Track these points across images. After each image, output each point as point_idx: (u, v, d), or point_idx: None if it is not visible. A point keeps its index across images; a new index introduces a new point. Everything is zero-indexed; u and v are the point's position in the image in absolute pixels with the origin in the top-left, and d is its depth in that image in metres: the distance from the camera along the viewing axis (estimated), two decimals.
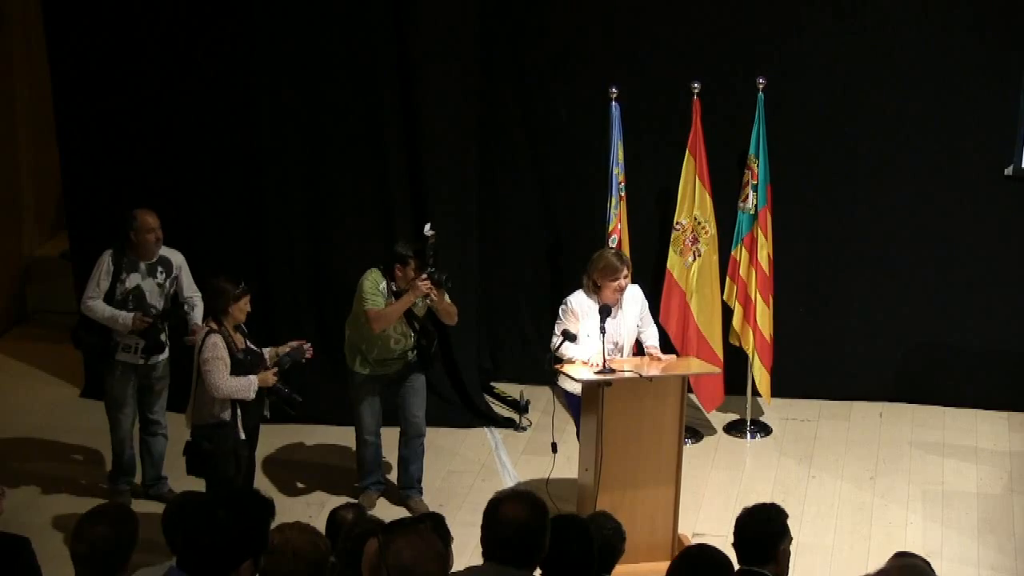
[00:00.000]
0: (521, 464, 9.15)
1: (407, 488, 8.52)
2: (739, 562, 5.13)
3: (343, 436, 9.02)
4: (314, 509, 8.40)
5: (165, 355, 8.33)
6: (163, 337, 8.23)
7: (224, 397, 7.60)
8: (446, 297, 8.18)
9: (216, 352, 7.55)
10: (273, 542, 4.44)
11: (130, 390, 8.31)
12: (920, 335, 9.82)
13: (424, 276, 7.97)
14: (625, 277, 7.97)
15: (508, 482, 8.88)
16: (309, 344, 7.95)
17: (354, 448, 8.61)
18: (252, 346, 7.80)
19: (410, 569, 4.00)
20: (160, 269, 8.22)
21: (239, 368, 7.62)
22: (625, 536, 5.63)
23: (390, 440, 8.57)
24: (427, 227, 8.15)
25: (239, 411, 7.69)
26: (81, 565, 4.59)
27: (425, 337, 8.31)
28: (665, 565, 4.85)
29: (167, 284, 8.25)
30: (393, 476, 8.69)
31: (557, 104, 9.89)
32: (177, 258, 8.32)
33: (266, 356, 7.85)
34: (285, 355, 7.83)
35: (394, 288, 8.10)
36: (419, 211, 9.61)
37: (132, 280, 8.12)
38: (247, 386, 7.63)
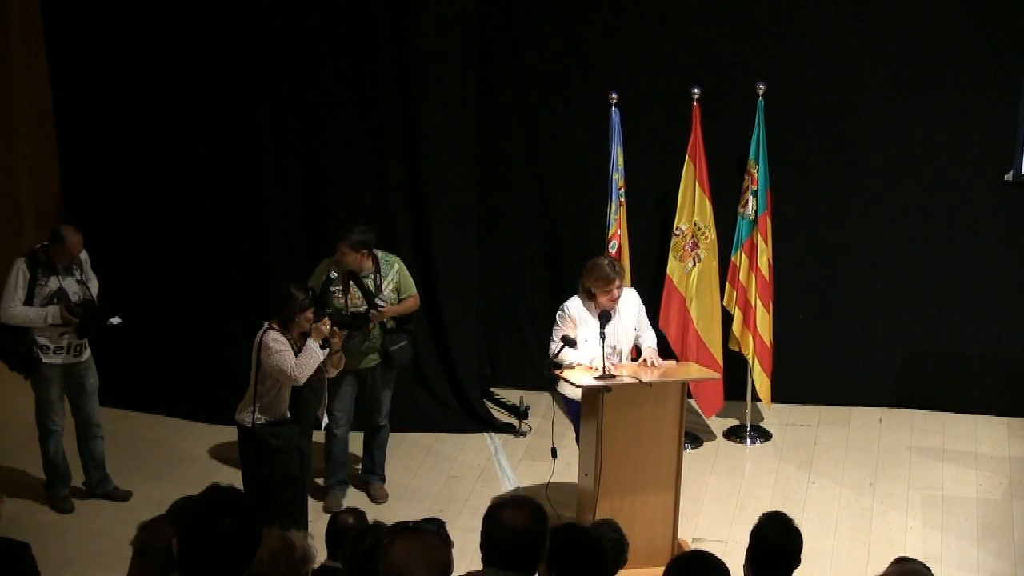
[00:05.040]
0: (521, 469, 9.15)
1: (369, 473, 8.68)
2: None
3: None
4: (313, 514, 8.39)
5: (88, 353, 8.39)
6: (101, 315, 8.23)
7: (305, 377, 7.55)
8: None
9: (279, 345, 7.50)
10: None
11: (59, 392, 8.39)
12: (920, 341, 9.82)
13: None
14: (618, 288, 7.93)
15: (508, 487, 8.88)
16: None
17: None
18: None
19: (399, 570, 3.95)
20: (75, 267, 8.29)
21: None
22: (626, 547, 5.61)
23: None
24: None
25: (298, 410, 7.70)
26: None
27: (396, 332, 8.40)
28: None
29: (83, 278, 8.32)
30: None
31: (555, 102, 9.90)
32: (83, 254, 8.37)
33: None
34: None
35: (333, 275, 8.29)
36: (418, 217, 9.61)
37: (52, 283, 8.18)
38: (312, 354, 7.57)
